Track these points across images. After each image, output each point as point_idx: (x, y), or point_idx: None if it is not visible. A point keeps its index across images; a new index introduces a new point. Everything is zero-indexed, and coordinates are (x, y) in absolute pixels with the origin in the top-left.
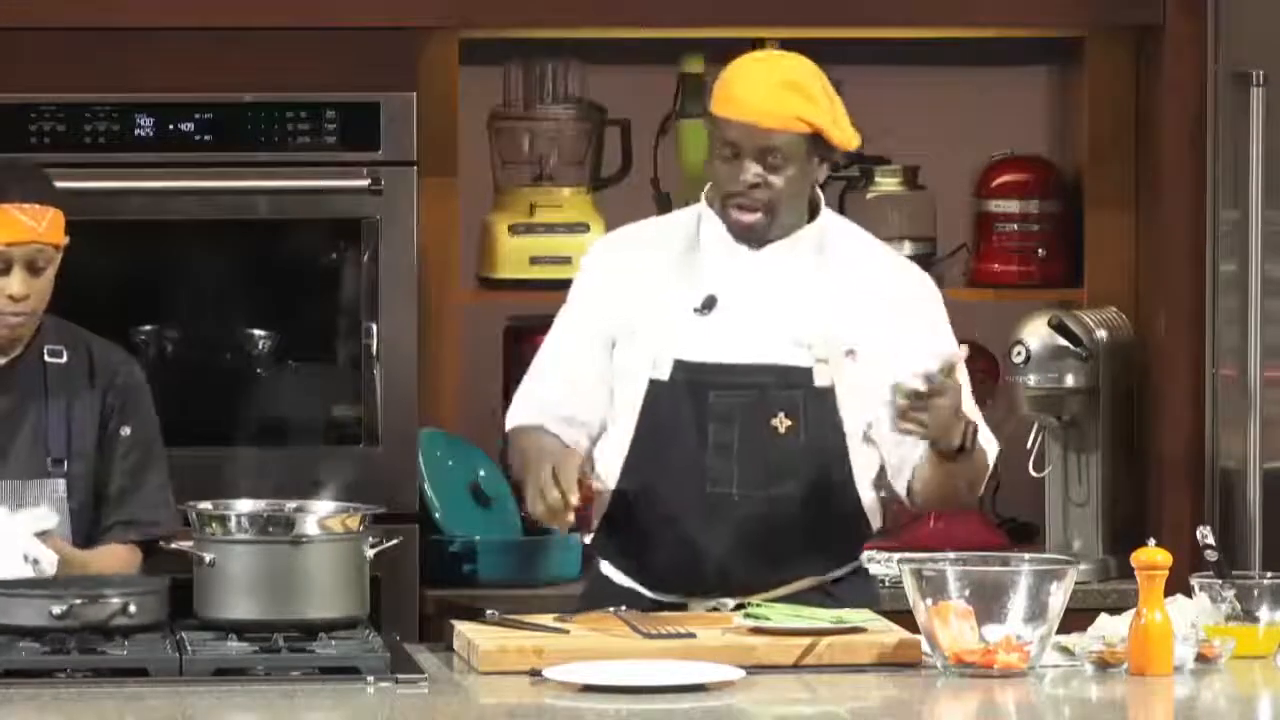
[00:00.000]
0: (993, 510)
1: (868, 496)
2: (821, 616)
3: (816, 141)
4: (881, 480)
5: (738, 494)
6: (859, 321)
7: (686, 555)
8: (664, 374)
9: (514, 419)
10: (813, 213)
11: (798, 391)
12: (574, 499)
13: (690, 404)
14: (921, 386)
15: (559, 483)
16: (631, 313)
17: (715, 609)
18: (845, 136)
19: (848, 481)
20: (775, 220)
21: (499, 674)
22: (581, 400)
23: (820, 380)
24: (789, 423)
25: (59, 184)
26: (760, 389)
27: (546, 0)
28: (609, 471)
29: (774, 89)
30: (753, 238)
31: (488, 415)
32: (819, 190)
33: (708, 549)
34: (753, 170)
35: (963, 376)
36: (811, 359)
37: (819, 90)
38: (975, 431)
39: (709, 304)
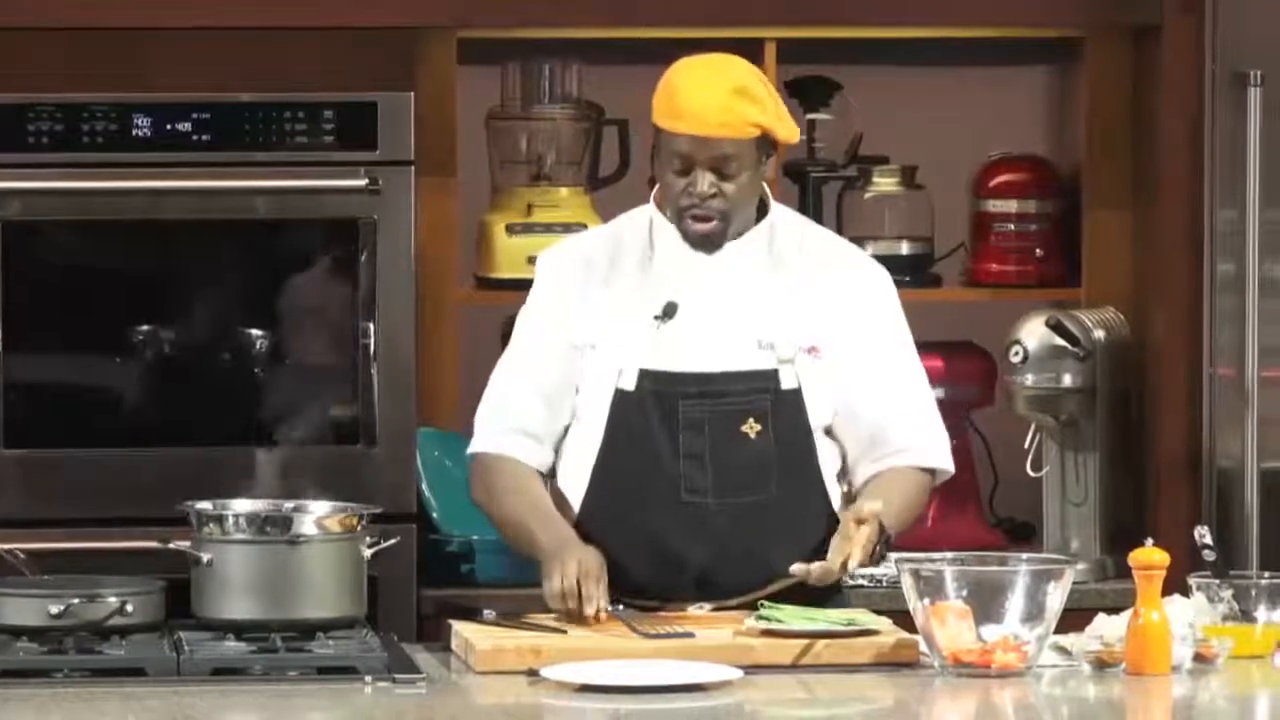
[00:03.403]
0: (990, 510)
1: (834, 492)
2: (833, 618)
3: (764, 142)
4: (843, 473)
5: (713, 503)
6: (818, 316)
7: (663, 564)
8: (630, 384)
9: (483, 443)
10: (761, 209)
11: (765, 395)
12: (604, 605)
13: (659, 414)
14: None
15: (583, 594)
16: (593, 321)
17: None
18: (789, 131)
19: (817, 480)
20: (730, 226)
21: (496, 674)
22: (549, 413)
23: (786, 382)
24: (758, 427)
25: (57, 184)
26: (728, 396)
27: (545, 0)
28: (577, 482)
29: (724, 98)
30: (709, 245)
31: None
32: (766, 187)
33: (685, 557)
34: (706, 180)
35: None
36: (775, 360)
37: (764, 91)
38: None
39: (669, 311)
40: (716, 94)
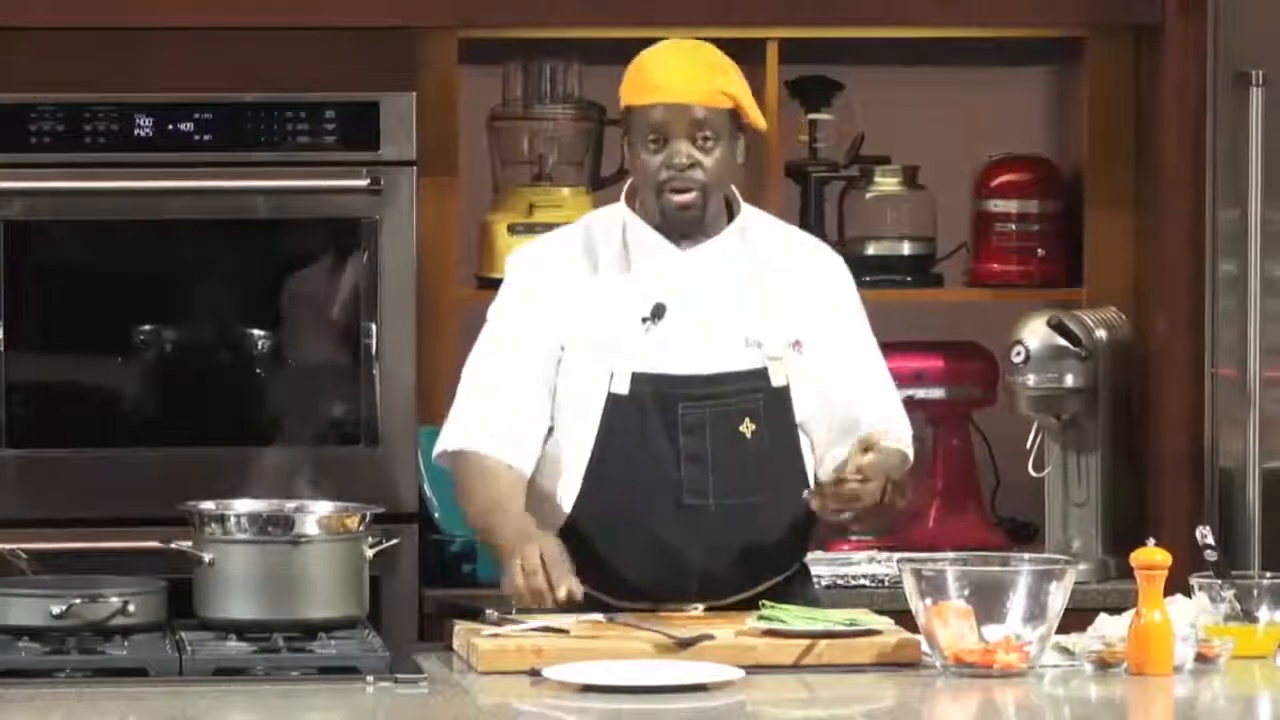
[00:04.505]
0: (992, 510)
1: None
2: (835, 618)
3: (736, 118)
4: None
5: (714, 504)
6: (798, 312)
7: (665, 567)
8: (623, 388)
9: (455, 440)
10: (730, 213)
11: (758, 395)
12: (566, 592)
13: (657, 417)
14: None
15: (549, 577)
16: (575, 323)
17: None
18: (755, 111)
19: (801, 474)
20: (708, 203)
21: (498, 674)
22: (528, 414)
23: (776, 380)
24: (754, 427)
25: (59, 184)
26: (726, 397)
27: (546, 0)
28: (568, 488)
29: (696, 69)
30: (688, 220)
31: None
32: (734, 189)
33: (686, 560)
34: (685, 150)
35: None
36: (764, 358)
37: (732, 68)
38: (897, 488)
39: (658, 313)
40: (687, 65)
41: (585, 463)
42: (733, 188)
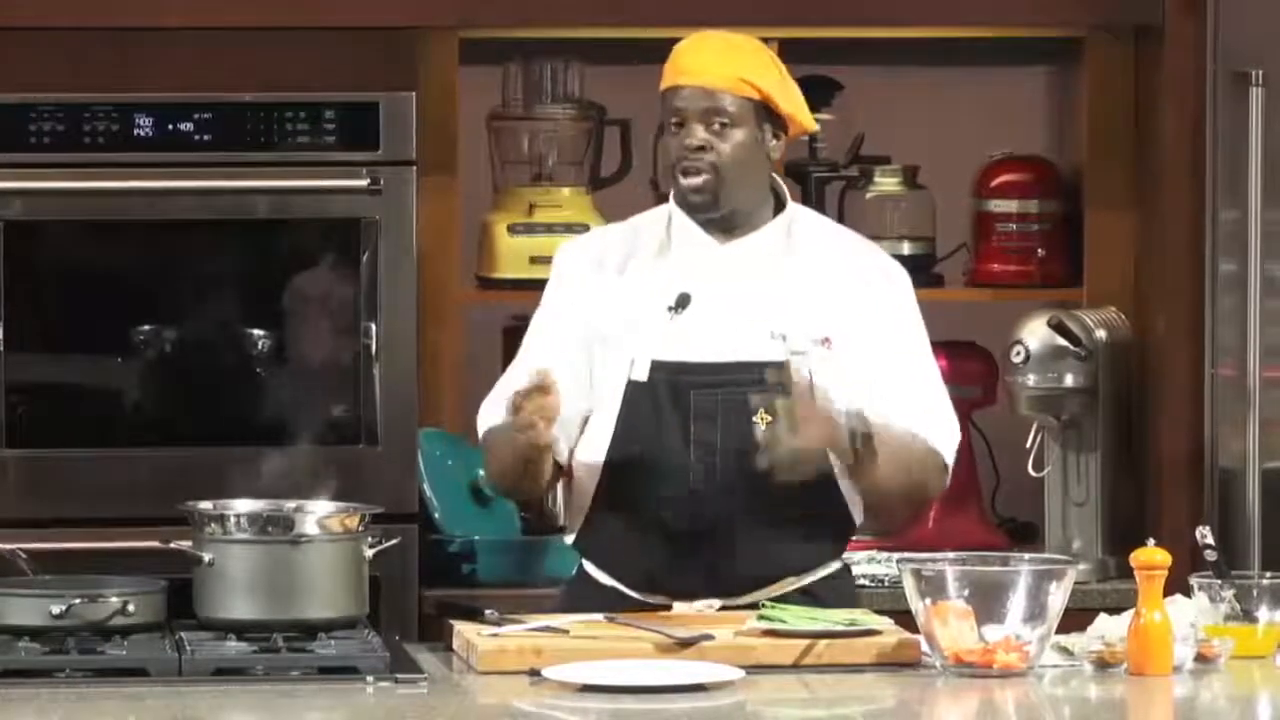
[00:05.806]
0: (992, 510)
1: (848, 491)
2: (835, 618)
3: (766, 111)
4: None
5: (723, 493)
6: (831, 309)
7: (671, 556)
8: (642, 375)
9: (489, 421)
10: (779, 206)
11: (777, 386)
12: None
13: (671, 404)
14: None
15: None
16: (606, 314)
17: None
18: (795, 108)
19: (829, 476)
20: (723, 188)
21: (498, 674)
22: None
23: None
24: (769, 418)
25: (59, 184)
26: (739, 385)
27: (546, 0)
28: (591, 473)
29: (720, 54)
30: (701, 205)
31: None
32: (780, 181)
33: (692, 549)
34: (698, 133)
35: (822, 376)
36: (787, 352)
37: (768, 61)
38: (867, 436)
39: (682, 302)
40: (714, 50)
41: (606, 450)
42: (780, 182)
